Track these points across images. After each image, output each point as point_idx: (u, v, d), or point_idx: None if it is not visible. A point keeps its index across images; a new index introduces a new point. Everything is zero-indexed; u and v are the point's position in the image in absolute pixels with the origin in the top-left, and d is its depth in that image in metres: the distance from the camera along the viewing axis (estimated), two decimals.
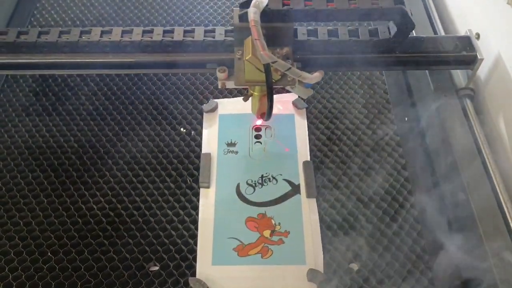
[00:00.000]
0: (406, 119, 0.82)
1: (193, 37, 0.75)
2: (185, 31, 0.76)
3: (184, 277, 0.65)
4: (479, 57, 0.75)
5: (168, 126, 0.82)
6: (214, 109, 0.83)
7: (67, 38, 0.75)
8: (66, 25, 0.97)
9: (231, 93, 0.86)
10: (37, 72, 0.86)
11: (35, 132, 0.80)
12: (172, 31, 0.76)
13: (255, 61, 0.63)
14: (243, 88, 0.77)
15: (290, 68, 0.61)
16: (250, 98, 0.73)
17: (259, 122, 0.80)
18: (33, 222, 0.70)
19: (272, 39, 0.64)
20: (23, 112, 0.83)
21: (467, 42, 0.77)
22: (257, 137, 0.79)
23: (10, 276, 0.65)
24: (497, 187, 0.67)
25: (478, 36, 0.79)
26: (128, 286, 0.64)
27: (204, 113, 0.82)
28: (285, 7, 0.65)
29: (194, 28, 0.77)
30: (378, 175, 0.75)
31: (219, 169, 0.75)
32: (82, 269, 0.66)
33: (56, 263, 0.66)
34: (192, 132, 0.81)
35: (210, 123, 0.81)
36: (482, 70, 0.78)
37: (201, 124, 0.82)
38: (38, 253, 0.67)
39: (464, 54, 0.76)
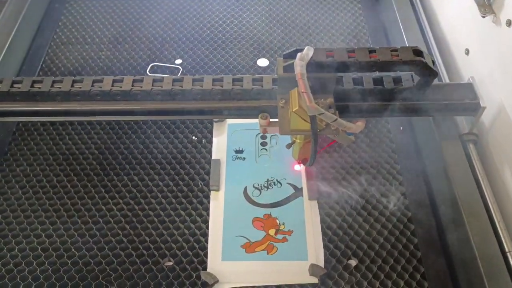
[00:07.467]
0: (402, 131, 0.87)
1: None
2: (194, 80, 0.76)
3: (196, 272, 0.71)
4: (481, 105, 0.74)
5: (181, 134, 0.88)
6: (223, 119, 0.89)
7: (80, 87, 0.76)
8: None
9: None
10: (51, 119, 0.87)
11: (58, 140, 0.87)
12: (181, 80, 0.76)
13: (302, 113, 0.64)
14: None
15: (336, 119, 0.63)
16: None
17: (297, 167, 0.82)
18: (58, 221, 0.77)
19: (315, 88, 0.65)
20: (47, 121, 0.90)
21: (469, 89, 0.76)
22: (263, 144, 0.86)
23: (38, 270, 0.71)
24: (499, 230, 0.68)
25: (467, 51, 0.84)
26: (144, 280, 0.70)
27: (214, 123, 0.89)
28: (329, 59, 0.66)
29: (203, 77, 0.77)
30: (375, 179, 0.81)
31: (227, 173, 0.82)
32: (103, 264, 0.72)
33: (80, 258, 0.72)
34: (203, 140, 0.88)
35: (219, 132, 0.88)
36: (486, 116, 0.78)
37: (211, 132, 0.88)
38: (63, 249, 0.73)
39: (467, 102, 0.75)
